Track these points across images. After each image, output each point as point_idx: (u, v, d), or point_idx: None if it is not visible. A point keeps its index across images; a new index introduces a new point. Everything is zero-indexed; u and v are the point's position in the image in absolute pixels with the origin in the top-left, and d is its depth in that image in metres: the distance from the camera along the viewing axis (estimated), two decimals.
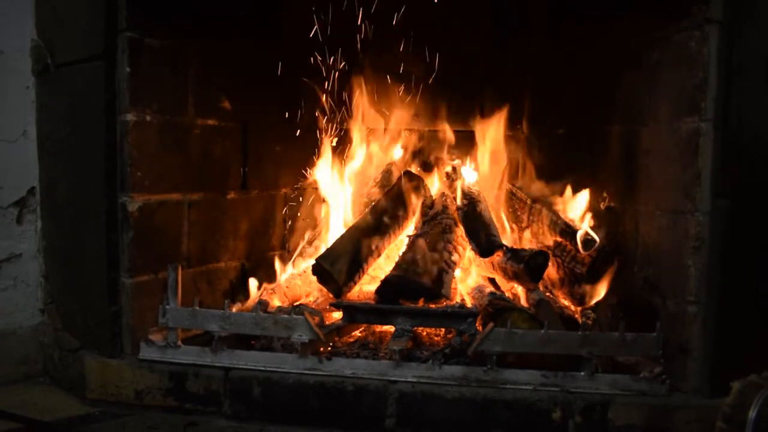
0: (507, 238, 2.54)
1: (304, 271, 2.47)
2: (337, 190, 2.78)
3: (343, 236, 2.41)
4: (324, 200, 2.80)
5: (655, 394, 1.83)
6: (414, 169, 2.80)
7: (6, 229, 2.25)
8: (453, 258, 2.35)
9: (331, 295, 2.30)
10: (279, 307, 2.24)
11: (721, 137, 1.78)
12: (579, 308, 2.27)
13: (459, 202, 2.49)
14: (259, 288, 2.42)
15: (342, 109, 2.80)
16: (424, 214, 2.56)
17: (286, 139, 2.68)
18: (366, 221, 2.45)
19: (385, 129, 2.89)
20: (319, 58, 2.68)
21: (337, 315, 2.20)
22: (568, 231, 2.36)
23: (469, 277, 2.49)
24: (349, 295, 2.32)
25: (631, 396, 1.83)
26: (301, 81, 2.68)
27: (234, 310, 2.13)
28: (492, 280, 2.41)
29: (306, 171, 2.77)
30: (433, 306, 2.13)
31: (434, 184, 2.76)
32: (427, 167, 2.86)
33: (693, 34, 1.82)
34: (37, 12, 2.26)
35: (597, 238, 2.25)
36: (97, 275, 2.06)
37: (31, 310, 2.31)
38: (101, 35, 1.99)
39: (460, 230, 2.42)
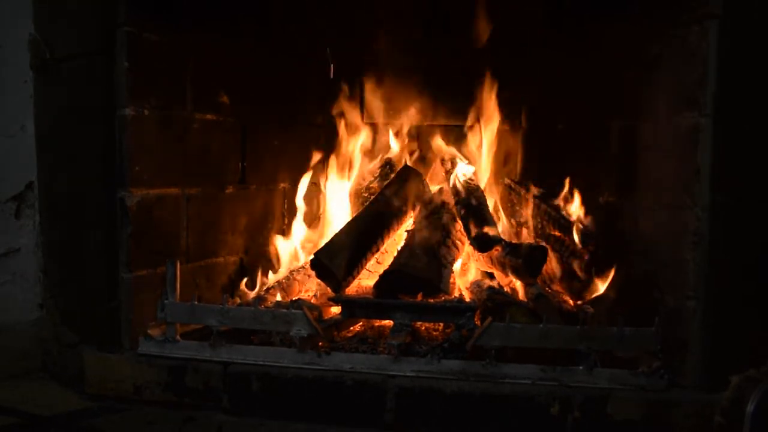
0: (506, 233, 2.54)
1: (303, 266, 2.47)
2: (336, 184, 2.78)
3: (341, 231, 2.41)
4: (323, 195, 2.80)
5: (653, 389, 1.83)
6: (413, 163, 2.80)
7: (4, 224, 2.25)
8: (452, 252, 2.35)
9: (329, 290, 2.30)
10: (278, 301, 2.24)
11: (720, 133, 1.77)
12: (578, 303, 2.27)
13: (458, 196, 2.49)
14: (256, 283, 2.42)
15: (341, 104, 2.80)
16: (423, 208, 2.56)
17: (285, 133, 2.67)
18: (365, 216, 2.45)
19: (384, 123, 2.88)
20: (319, 52, 2.67)
21: (336, 310, 2.20)
22: (566, 225, 2.36)
23: (468, 271, 2.49)
24: (347, 289, 2.32)
25: (630, 391, 1.83)
26: (300, 76, 2.67)
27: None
28: (491, 275, 2.41)
29: (305, 166, 2.77)
30: (432, 301, 2.13)
31: (433, 179, 2.76)
32: (426, 161, 2.86)
33: (692, 29, 1.82)
34: (36, 6, 2.25)
35: (595, 233, 2.25)
36: (96, 270, 2.06)
37: (30, 305, 2.31)
38: (100, 30, 1.99)
39: (459, 225, 2.42)
